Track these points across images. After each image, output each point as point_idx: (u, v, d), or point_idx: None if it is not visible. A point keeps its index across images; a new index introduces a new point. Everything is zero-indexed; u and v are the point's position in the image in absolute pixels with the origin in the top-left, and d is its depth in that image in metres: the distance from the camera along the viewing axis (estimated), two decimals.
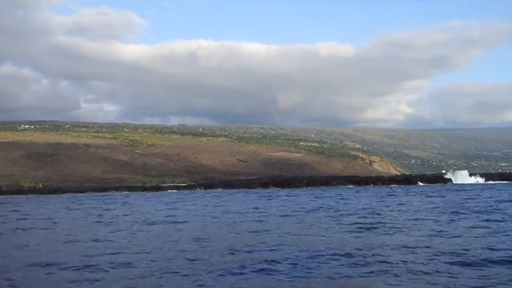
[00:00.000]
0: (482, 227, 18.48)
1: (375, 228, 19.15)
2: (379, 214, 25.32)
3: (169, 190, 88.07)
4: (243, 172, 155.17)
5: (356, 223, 21.18)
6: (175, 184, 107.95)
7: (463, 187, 62.16)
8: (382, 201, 36.01)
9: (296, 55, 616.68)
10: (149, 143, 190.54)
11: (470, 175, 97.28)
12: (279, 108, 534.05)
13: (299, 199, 44.83)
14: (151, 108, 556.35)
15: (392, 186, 79.93)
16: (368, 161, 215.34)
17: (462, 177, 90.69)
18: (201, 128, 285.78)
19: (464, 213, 24.06)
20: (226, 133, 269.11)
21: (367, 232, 18.05)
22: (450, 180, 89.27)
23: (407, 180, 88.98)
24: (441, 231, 17.70)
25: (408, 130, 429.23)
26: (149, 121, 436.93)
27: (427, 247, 14.25)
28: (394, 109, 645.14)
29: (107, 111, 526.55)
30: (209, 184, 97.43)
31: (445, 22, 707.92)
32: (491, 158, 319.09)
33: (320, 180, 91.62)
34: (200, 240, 17.02)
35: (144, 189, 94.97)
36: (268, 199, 45.61)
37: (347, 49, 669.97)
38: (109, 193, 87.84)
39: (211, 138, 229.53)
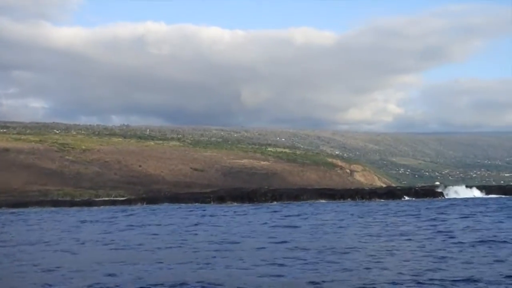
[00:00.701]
0: None
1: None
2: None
3: (102, 206, 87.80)
4: (198, 183, 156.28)
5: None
6: (111, 198, 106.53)
7: (454, 203, 64.41)
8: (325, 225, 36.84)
9: (265, 43, 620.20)
10: (84, 147, 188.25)
11: (467, 187, 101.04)
12: (244, 106, 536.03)
13: (245, 218, 45.77)
14: (88, 105, 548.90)
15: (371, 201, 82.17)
16: (348, 171, 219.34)
17: (455, 193, 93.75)
18: (148, 130, 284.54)
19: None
20: (179, 136, 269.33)
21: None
22: (441, 194, 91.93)
23: (390, 194, 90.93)
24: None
25: (396, 134, 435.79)
26: (84, 120, 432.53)
27: None
28: (380, 108, 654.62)
29: (33, 108, 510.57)
30: (153, 198, 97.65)
31: (441, 6, 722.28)
32: (493, 168, 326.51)
33: (288, 193, 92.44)
34: None
35: (72, 204, 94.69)
36: (211, 216, 47.41)
37: (326, 36, 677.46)
38: (29, 208, 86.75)
39: (160, 142, 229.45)
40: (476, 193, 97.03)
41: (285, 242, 25.68)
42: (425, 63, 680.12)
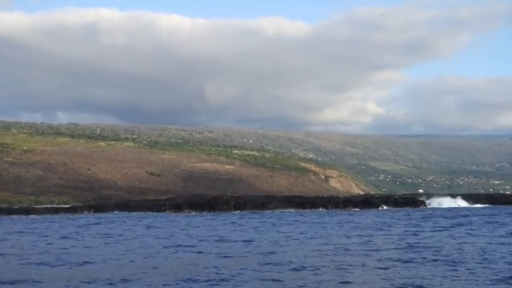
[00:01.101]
0: None
1: None
2: None
3: (43, 214, 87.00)
4: (154, 189, 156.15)
5: None
6: (54, 206, 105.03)
7: (434, 213, 66.40)
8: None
9: (230, 34, 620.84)
10: (25, 148, 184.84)
11: (452, 196, 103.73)
12: (207, 103, 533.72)
13: (195, 231, 46.20)
14: (31, 101, 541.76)
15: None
16: (323, 177, 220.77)
17: (439, 203, 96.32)
18: (99, 129, 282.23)
19: None
20: (134, 136, 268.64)
21: None
22: (423, 203, 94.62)
23: (367, 202, 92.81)
24: None
25: (376, 137, 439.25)
26: (26, 117, 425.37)
27: None
28: (359, 108, 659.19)
29: None
30: (101, 205, 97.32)
31: None
32: (481, 174, 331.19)
33: (253, 201, 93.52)
34: None
35: (10, 211, 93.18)
36: (152, 228, 48.40)
37: (299, 27, 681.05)
38: None
39: (113, 142, 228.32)
40: (461, 202, 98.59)
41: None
42: (408, 59, 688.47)
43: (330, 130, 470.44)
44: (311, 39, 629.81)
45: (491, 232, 39.44)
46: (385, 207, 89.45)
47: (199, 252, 29.50)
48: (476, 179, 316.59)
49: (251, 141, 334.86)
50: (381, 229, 43.64)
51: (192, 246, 32.59)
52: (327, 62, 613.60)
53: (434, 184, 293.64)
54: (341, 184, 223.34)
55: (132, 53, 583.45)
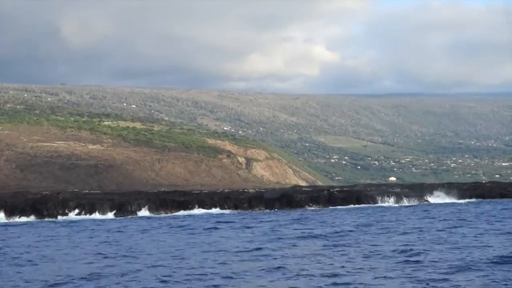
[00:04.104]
0: None
1: None
2: None
3: None
4: None
5: None
6: None
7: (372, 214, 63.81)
8: None
9: None
10: None
11: (433, 189, 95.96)
12: (65, 48, 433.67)
13: None
14: None
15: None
16: (243, 160, 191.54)
17: (406, 199, 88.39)
18: None
19: None
20: None
21: None
22: (372, 199, 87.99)
23: (286, 200, 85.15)
24: None
25: (327, 97, 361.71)
26: None
27: None
28: (300, 54, 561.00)
29: None
30: None
31: None
32: (483, 153, 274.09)
33: (105, 201, 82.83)
34: None
35: None
36: None
37: None
38: None
39: None
40: (438, 197, 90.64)
41: None
42: None
43: (256, 88, 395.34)
44: None
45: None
46: (312, 207, 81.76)
47: None
48: (476, 159, 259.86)
49: (133, 106, 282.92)
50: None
51: None
52: None
53: (413, 169, 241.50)
54: (271, 171, 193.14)
55: None
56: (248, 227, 49.62)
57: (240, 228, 49.93)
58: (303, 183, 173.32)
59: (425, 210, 67.20)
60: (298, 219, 58.08)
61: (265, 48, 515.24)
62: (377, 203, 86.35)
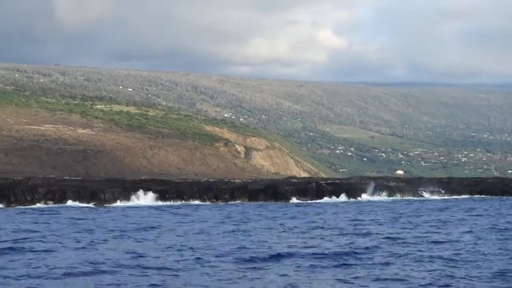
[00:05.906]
0: None
1: None
2: None
3: None
4: None
5: None
6: None
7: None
8: None
9: None
10: None
11: (430, 184, 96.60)
12: (61, 29, 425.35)
13: None
14: None
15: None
16: (241, 149, 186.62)
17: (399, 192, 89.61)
18: None
19: None
20: None
21: None
22: (360, 191, 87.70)
23: (271, 191, 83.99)
24: None
25: (334, 85, 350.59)
26: None
27: None
28: (306, 38, 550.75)
29: None
30: None
31: None
32: (496, 146, 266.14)
33: (80, 188, 79.34)
34: None
35: None
36: None
37: None
38: None
39: None
40: (436, 193, 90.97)
41: None
42: None
43: (259, 73, 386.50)
44: None
45: None
46: (296, 200, 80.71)
47: None
48: (488, 154, 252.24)
49: (130, 89, 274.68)
50: None
51: None
52: None
53: (422, 162, 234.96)
54: (271, 161, 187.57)
55: None
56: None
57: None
58: (304, 175, 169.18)
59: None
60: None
61: (269, 31, 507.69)
62: (368, 197, 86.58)
